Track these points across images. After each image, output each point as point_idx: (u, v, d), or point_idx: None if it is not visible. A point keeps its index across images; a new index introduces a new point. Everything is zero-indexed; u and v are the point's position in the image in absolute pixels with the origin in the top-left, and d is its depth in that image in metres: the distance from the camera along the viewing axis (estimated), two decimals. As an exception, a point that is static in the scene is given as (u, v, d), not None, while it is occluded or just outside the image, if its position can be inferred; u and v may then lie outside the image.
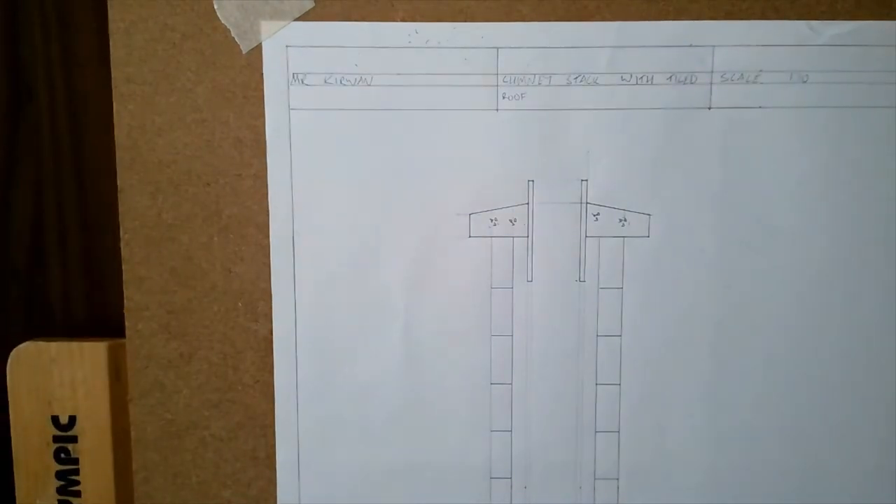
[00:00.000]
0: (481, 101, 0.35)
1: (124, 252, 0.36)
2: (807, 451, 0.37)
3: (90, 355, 0.37)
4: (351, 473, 0.37)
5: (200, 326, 0.37)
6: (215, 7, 0.35)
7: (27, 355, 0.37)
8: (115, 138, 0.35)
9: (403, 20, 0.35)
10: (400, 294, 0.36)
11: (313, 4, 0.35)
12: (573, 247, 0.36)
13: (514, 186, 0.36)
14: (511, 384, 0.37)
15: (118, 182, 0.36)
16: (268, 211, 0.36)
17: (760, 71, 0.35)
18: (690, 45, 0.35)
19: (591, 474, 0.37)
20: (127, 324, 0.36)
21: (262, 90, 0.35)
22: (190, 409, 0.37)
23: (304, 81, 0.35)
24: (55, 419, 0.38)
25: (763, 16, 0.34)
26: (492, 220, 0.36)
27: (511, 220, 0.36)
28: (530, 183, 0.36)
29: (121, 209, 0.36)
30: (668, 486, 0.37)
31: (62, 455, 0.38)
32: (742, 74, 0.35)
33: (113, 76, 0.35)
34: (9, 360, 0.37)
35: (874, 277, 0.36)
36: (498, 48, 0.35)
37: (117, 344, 0.37)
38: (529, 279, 0.36)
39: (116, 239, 0.36)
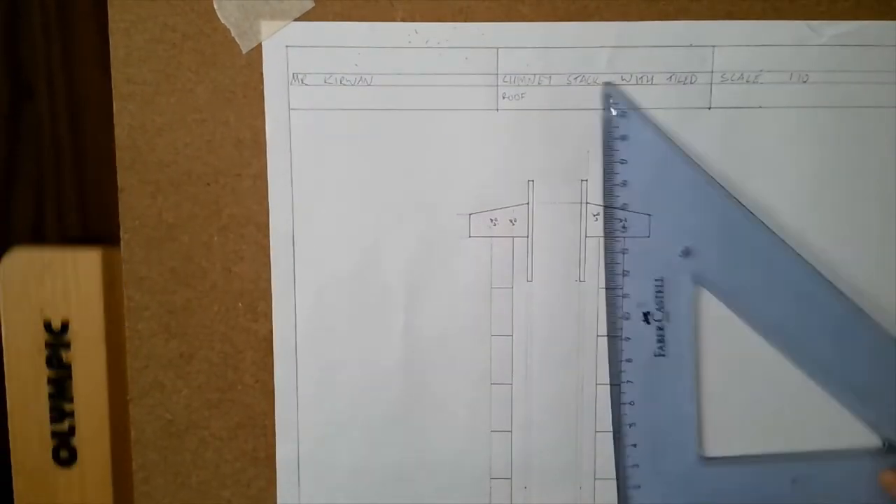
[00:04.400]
0: (481, 101, 0.35)
1: (124, 252, 0.36)
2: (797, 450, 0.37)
3: (84, 263, 0.36)
4: (351, 473, 0.37)
5: (200, 326, 0.37)
6: (215, 7, 0.35)
7: (19, 261, 0.36)
8: (116, 138, 0.35)
9: (403, 20, 0.35)
10: (400, 294, 0.36)
11: (313, 4, 0.35)
12: (573, 247, 0.36)
13: (514, 186, 0.36)
14: (511, 384, 0.37)
15: (118, 182, 0.36)
16: (268, 211, 0.36)
17: (760, 71, 0.35)
18: (690, 45, 0.35)
19: (591, 474, 0.37)
20: (127, 324, 0.36)
21: (262, 90, 0.35)
22: (190, 408, 0.37)
23: (304, 81, 0.35)
24: (47, 325, 0.37)
25: (763, 16, 0.34)
26: (492, 220, 0.36)
27: (511, 220, 0.36)
28: (530, 183, 0.36)
29: (121, 209, 0.36)
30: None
31: (54, 362, 0.37)
32: (742, 74, 0.35)
33: (113, 76, 0.35)
34: (0, 266, 0.36)
35: (874, 276, 0.36)
36: (498, 48, 0.35)
37: (111, 251, 0.36)
38: (529, 279, 0.36)
39: (117, 238, 0.36)
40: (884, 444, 0.36)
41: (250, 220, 0.36)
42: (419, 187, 0.36)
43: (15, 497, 0.38)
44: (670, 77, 0.35)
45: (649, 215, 0.35)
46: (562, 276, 0.36)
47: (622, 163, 0.35)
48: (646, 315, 0.36)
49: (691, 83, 0.35)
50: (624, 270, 0.36)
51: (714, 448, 0.37)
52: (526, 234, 0.36)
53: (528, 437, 0.37)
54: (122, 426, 0.37)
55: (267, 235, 0.36)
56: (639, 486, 0.36)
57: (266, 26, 0.35)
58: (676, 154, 0.35)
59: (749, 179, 0.35)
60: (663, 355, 0.36)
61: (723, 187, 0.35)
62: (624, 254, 0.35)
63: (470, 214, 0.36)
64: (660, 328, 0.36)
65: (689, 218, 0.35)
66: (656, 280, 0.35)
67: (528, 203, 0.36)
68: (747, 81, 0.35)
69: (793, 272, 0.35)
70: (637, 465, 0.36)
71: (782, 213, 0.35)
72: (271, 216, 0.36)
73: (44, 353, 0.37)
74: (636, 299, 0.36)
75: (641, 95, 0.35)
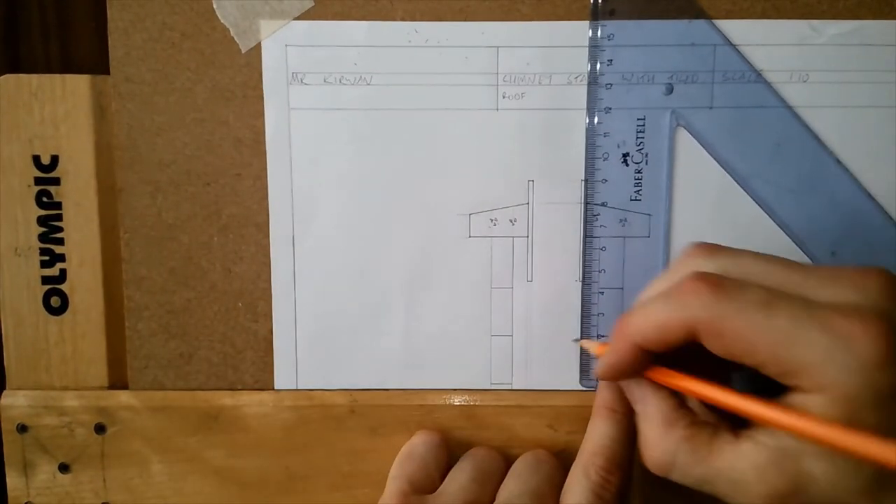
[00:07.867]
0: (481, 100, 0.35)
1: (124, 252, 0.36)
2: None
3: (72, 89, 0.35)
4: (351, 473, 0.37)
5: (200, 326, 0.37)
6: (214, 7, 0.35)
7: (6, 89, 0.35)
8: (115, 138, 0.35)
9: (403, 19, 0.35)
10: (400, 294, 0.36)
11: (313, 3, 0.35)
12: (573, 247, 0.36)
13: (514, 186, 0.36)
14: (511, 384, 0.37)
15: (117, 182, 0.36)
16: (268, 210, 0.36)
17: (761, 70, 0.35)
18: (692, 45, 0.35)
19: (591, 474, 0.37)
20: (127, 324, 0.36)
21: (261, 89, 0.35)
22: (190, 409, 0.37)
23: (304, 81, 0.35)
24: (36, 159, 0.35)
25: (764, 15, 0.34)
26: (492, 220, 0.36)
27: (511, 220, 0.36)
28: (530, 183, 0.36)
29: (120, 209, 0.36)
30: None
31: (44, 199, 0.35)
32: (743, 74, 0.35)
33: (112, 76, 0.35)
34: None
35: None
36: (498, 47, 0.35)
37: (101, 78, 0.35)
38: (529, 279, 0.36)
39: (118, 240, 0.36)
40: None
41: (250, 220, 0.36)
42: (419, 187, 0.36)
43: (4, 348, 0.36)
44: (671, 76, 0.35)
45: (635, 47, 0.34)
46: (562, 276, 0.36)
47: None
48: (625, 157, 0.35)
49: (692, 82, 0.35)
50: (606, 107, 0.35)
51: None
52: (526, 234, 0.36)
53: (528, 436, 0.37)
54: (115, 272, 0.36)
55: (267, 235, 0.36)
56: (602, 337, 0.36)
57: (265, 25, 0.35)
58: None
59: (750, 179, 0.35)
60: (639, 200, 0.35)
61: (712, 23, 0.34)
62: (608, 88, 0.35)
63: (470, 214, 0.36)
64: (638, 171, 0.35)
65: (675, 52, 0.34)
66: (639, 119, 0.35)
67: (528, 203, 0.36)
68: (748, 81, 0.35)
69: (775, 118, 0.35)
70: (602, 314, 0.36)
71: (783, 214, 0.35)
72: (271, 216, 0.36)
73: (33, 191, 0.35)
74: (616, 139, 0.35)
75: (642, 95, 0.35)
